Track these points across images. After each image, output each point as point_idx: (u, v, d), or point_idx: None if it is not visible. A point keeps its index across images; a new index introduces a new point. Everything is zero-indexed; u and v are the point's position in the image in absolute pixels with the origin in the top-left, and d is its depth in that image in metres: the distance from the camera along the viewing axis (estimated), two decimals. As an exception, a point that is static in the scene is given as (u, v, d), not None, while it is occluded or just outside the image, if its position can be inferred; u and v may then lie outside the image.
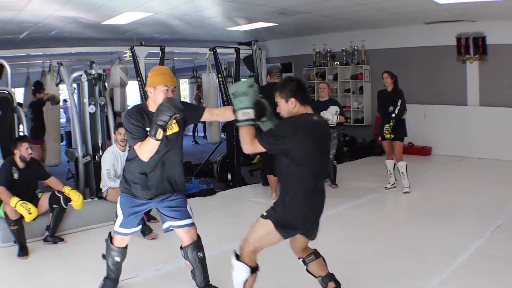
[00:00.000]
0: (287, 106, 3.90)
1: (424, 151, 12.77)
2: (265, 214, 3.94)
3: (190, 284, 4.67)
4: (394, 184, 9.07)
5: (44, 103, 9.92)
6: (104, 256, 4.83)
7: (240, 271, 3.94)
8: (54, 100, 10.16)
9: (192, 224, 4.57)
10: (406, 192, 8.71)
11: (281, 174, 4.00)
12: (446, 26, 12.06)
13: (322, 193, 4.02)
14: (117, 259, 4.70)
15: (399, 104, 8.48)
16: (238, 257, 3.97)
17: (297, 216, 3.87)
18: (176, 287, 5.12)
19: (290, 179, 3.87)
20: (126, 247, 4.72)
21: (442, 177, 10.40)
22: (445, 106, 12.55)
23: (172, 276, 5.36)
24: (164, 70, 4.47)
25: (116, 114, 9.69)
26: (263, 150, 3.82)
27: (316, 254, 4.27)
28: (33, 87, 10.22)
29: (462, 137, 12.26)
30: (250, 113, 3.80)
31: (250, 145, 3.81)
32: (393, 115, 8.48)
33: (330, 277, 4.27)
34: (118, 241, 4.65)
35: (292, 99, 3.87)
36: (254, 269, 3.98)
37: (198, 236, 4.61)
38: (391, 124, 8.55)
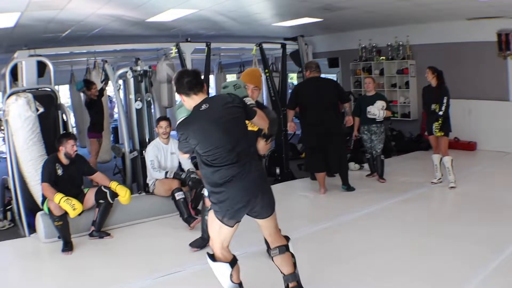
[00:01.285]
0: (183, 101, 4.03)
1: (469, 146, 12.55)
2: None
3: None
4: (440, 179, 8.95)
5: (94, 99, 10.08)
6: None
7: (220, 270, 4.03)
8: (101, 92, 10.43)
9: None
10: (451, 187, 8.59)
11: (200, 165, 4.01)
12: (486, 22, 11.85)
13: (239, 166, 3.87)
14: None
15: (444, 101, 8.35)
16: (213, 258, 4.02)
17: (224, 199, 3.87)
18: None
19: (203, 168, 3.93)
20: None
21: (487, 172, 10.22)
22: (488, 101, 12.35)
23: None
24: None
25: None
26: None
27: (281, 249, 4.07)
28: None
29: (505, 132, 12.04)
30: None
31: None
32: (440, 112, 8.37)
33: (293, 277, 4.10)
34: None
35: (179, 95, 3.98)
36: (233, 262, 4.03)
37: None
38: (440, 122, 8.44)
